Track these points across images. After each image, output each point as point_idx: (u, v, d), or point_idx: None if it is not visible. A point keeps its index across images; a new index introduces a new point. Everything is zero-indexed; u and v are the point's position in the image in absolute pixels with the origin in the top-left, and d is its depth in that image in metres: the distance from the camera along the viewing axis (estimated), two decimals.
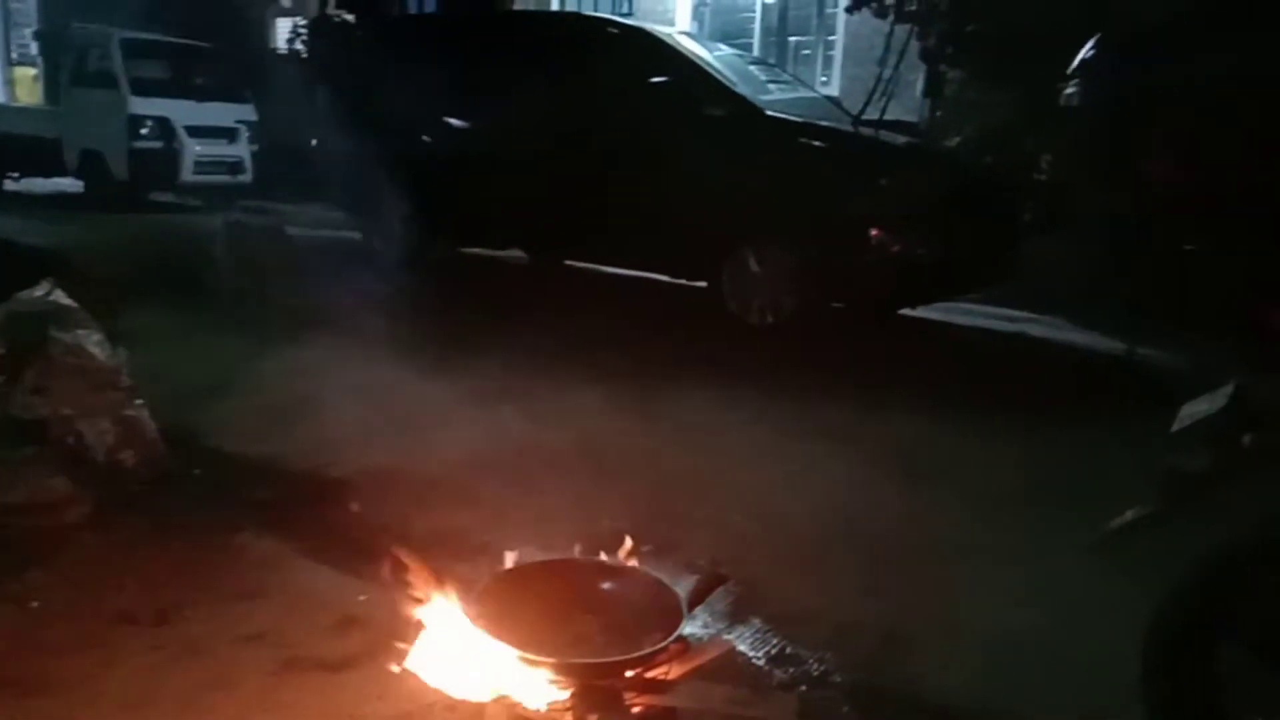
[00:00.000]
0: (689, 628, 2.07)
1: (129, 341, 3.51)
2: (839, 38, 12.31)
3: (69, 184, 12.27)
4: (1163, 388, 4.06)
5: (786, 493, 3.40)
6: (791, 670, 2.34)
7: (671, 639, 1.62)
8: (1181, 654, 1.86)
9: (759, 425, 4.12)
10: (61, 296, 3.30)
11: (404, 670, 1.70)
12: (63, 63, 12.09)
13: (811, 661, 2.37)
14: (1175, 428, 1.89)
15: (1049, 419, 4.15)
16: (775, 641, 2.43)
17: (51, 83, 12.12)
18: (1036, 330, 6.44)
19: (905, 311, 6.27)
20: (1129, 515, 1.94)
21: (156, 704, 1.99)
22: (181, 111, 11.49)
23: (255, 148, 12.05)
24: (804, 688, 2.26)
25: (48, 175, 12.46)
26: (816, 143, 5.95)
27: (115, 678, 2.07)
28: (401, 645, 1.76)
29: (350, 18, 12.85)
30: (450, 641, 1.64)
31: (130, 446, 3.14)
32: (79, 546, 2.68)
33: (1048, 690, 2.29)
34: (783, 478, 3.54)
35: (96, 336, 3.27)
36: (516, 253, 7.91)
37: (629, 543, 1.92)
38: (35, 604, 2.36)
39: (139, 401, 3.23)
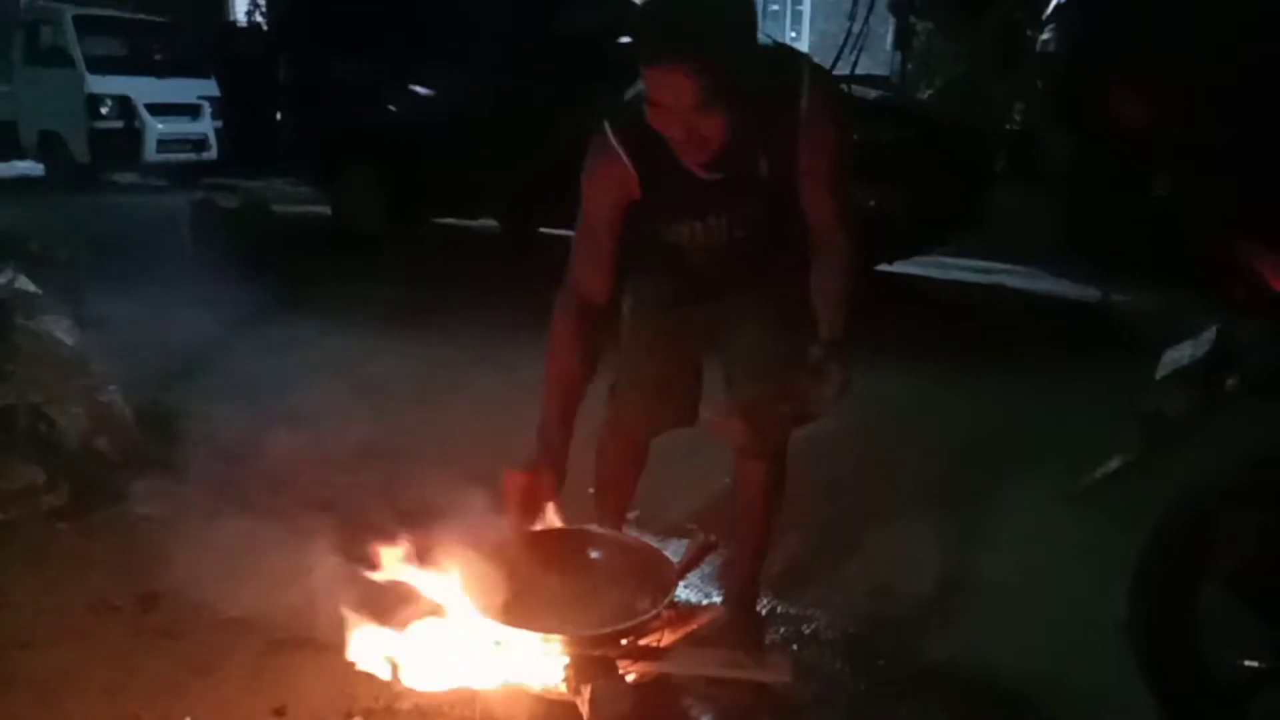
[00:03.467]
0: (680, 593, 2.07)
1: (98, 326, 3.44)
2: None
3: (28, 167, 12.02)
4: (1140, 334, 4.08)
5: None
6: (783, 629, 2.34)
7: (663, 606, 1.61)
8: (1166, 597, 1.87)
9: None
10: (25, 283, 3.23)
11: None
12: (14, 41, 11.77)
13: (802, 620, 2.38)
14: (1158, 373, 1.88)
15: (1029, 369, 4.16)
16: (766, 601, 2.43)
17: (3, 62, 11.79)
18: (1013, 281, 6.46)
19: (882, 267, 6.25)
20: (1114, 462, 1.94)
21: (141, 692, 1.96)
22: (142, 89, 11.23)
23: (219, 124, 11.82)
24: (796, 646, 2.27)
25: (5, 159, 12.18)
26: None
27: (98, 667, 2.04)
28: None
29: None
30: (439, 619, 1.62)
31: (104, 432, 3.09)
32: (55, 535, 2.64)
33: (1036, 639, 2.30)
34: None
35: (64, 322, 3.21)
36: (489, 222, 7.82)
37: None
38: (13, 597, 2.32)
39: (111, 386, 3.17)
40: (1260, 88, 1.84)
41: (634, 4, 6.25)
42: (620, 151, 1.81)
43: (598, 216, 1.86)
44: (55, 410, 3.01)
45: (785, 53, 1.86)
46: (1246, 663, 1.85)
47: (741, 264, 1.99)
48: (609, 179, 1.83)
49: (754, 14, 1.75)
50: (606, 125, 1.83)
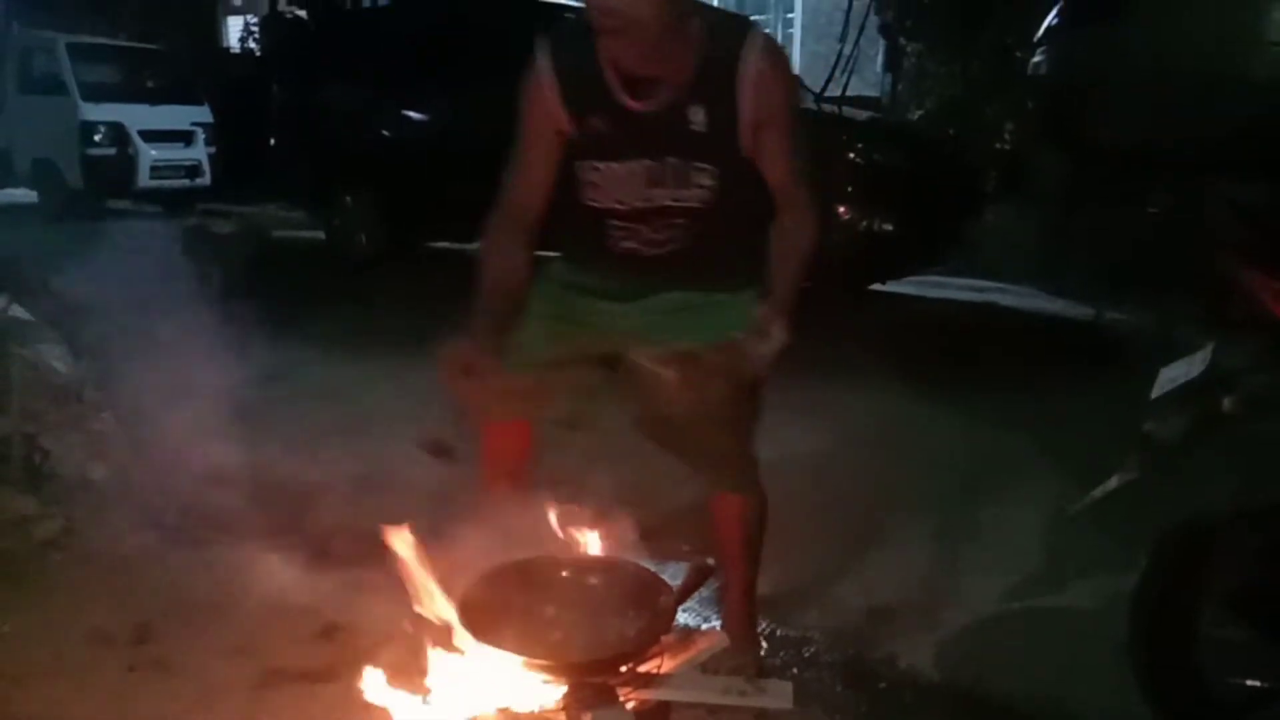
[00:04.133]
0: (679, 618, 2.05)
1: (93, 353, 3.42)
2: (797, 15, 12.31)
3: (21, 194, 12.02)
4: (1134, 351, 4.10)
5: (766, 472, 3.38)
6: (782, 654, 2.33)
7: (663, 632, 1.60)
8: (1166, 617, 1.86)
9: None
10: (19, 311, 3.23)
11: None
12: (7, 69, 11.82)
13: (802, 644, 2.36)
14: (1155, 393, 1.88)
15: (1024, 388, 4.16)
16: (764, 625, 2.42)
17: None
18: (1006, 299, 6.47)
19: (876, 287, 6.27)
20: (1111, 483, 1.94)
21: None
22: (135, 116, 11.27)
23: (212, 150, 11.86)
24: (796, 670, 2.26)
25: None
26: None
27: (91, 701, 2.01)
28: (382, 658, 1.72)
29: (303, 14, 12.67)
30: (436, 647, 1.61)
31: (99, 460, 3.07)
32: (49, 566, 2.62)
33: (1037, 659, 2.29)
34: (762, 458, 3.52)
35: (58, 350, 3.20)
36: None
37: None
38: (5, 628, 2.30)
39: (105, 414, 3.16)
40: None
41: None
42: (549, 74, 1.85)
43: (529, 140, 1.91)
44: (49, 439, 3.00)
45: (731, 14, 1.89)
46: (1248, 682, 1.85)
47: (672, 259, 1.93)
48: (537, 104, 1.88)
49: None
50: (540, 48, 1.87)
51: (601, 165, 1.87)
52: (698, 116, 1.81)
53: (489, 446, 2.19)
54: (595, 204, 1.92)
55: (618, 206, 1.91)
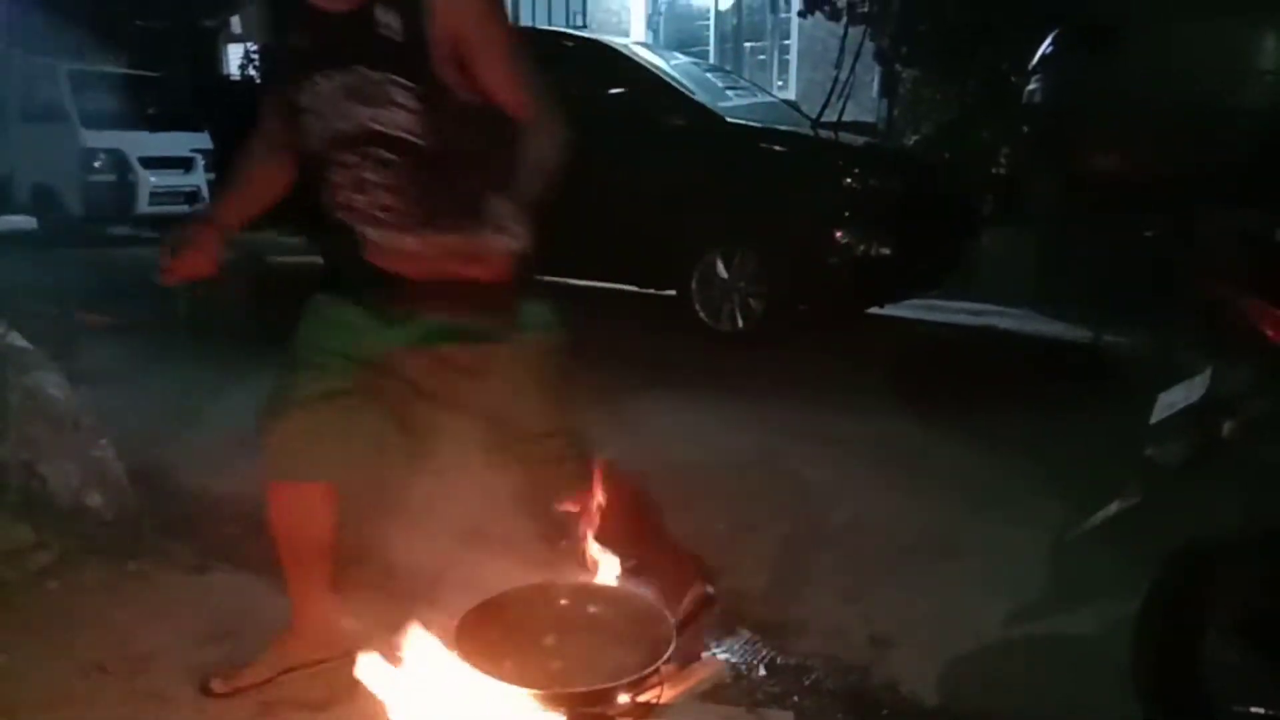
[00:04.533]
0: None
1: (90, 380, 3.42)
2: (794, 42, 12.38)
3: (21, 221, 12.05)
4: (1132, 374, 4.10)
5: (767, 498, 3.38)
6: (784, 681, 2.31)
7: (662, 661, 1.59)
8: (1170, 643, 1.86)
9: (735, 431, 4.11)
10: (17, 338, 3.22)
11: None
12: (8, 97, 11.88)
13: (802, 671, 2.35)
14: (1154, 418, 1.89)
15: (1022, 412, 4.16)
16: (765, 653, 2.40)
17: None
18: (1004, 323, 6.49)
19: (874, 310, 6.29)
20: (1113, 508, 1.94)
21: None
22: (135, 143, 11.31)
23: (212, 176, 11.89)
24: (796, 698, 2.24)
25: None
26: (777, 147, 5.97)
27: None
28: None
29: None
30: (432, 677, 1.59)
31: (96, 488, 3.05)
32: (45, 595, 2.60)
33: (1039, 686, 2.28)
34: (763, 483, 3.52)
35: (56, 378, 3.19)
36: None
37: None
38: (0, 659, 2.28)
39: (103, 441, 3.14)
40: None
41: (621, 59, 6.26)
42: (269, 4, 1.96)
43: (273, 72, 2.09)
44: (46, 467, 2.98)
45: None
46: (1253, 710, 1.84)
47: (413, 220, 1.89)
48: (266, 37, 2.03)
49: None
50: None
51: (305, 84, 1.85)
52: (389, 20, 1.75)
53: (279, 517, 2.09)
54: (310, 147, 1.92)
55: (323, 136, 1.87)
